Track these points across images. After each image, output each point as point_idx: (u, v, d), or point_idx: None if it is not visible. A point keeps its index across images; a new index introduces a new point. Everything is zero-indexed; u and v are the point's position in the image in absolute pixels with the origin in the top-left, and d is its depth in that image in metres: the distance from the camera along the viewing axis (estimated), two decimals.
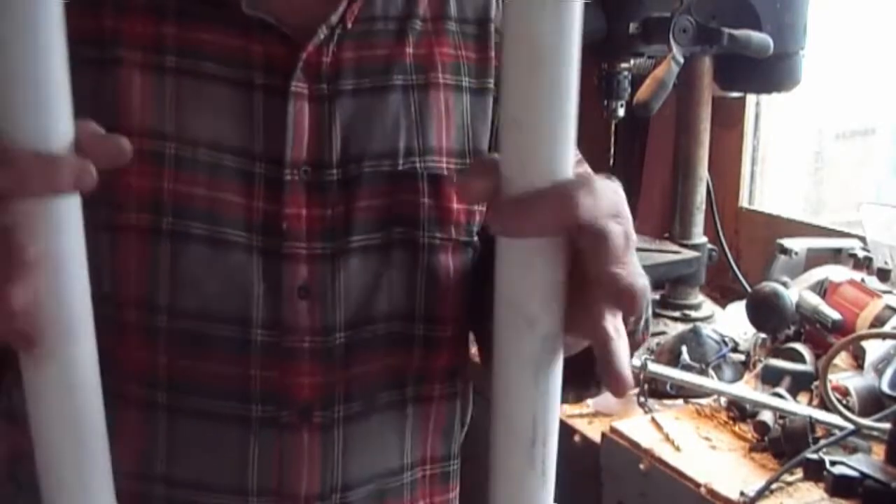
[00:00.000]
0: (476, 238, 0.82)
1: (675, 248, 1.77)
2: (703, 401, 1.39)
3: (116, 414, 0.75)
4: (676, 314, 1.75)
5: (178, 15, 0.76)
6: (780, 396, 1.32)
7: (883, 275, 1.59)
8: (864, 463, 1.15)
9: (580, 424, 1.40)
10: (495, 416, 0.54)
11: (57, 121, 0.49)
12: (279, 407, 0.76)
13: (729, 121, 1.96)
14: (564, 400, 0.82)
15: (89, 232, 0.69)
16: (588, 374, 0.77)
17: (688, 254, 1.75)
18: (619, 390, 0.53)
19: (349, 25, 0.79)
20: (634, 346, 0.77)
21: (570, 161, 0.50)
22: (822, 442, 1.21)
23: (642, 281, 0.52)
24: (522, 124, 0.49)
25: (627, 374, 0.53)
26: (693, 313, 1.74)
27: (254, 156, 0.76)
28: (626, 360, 0.53)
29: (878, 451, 1.20)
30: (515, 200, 0.49)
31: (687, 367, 1.44)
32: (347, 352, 0.77)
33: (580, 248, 0.51)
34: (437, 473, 0.87)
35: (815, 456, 1.17)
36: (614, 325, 0.53)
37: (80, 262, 0.51)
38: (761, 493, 1.13)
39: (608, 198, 0.52)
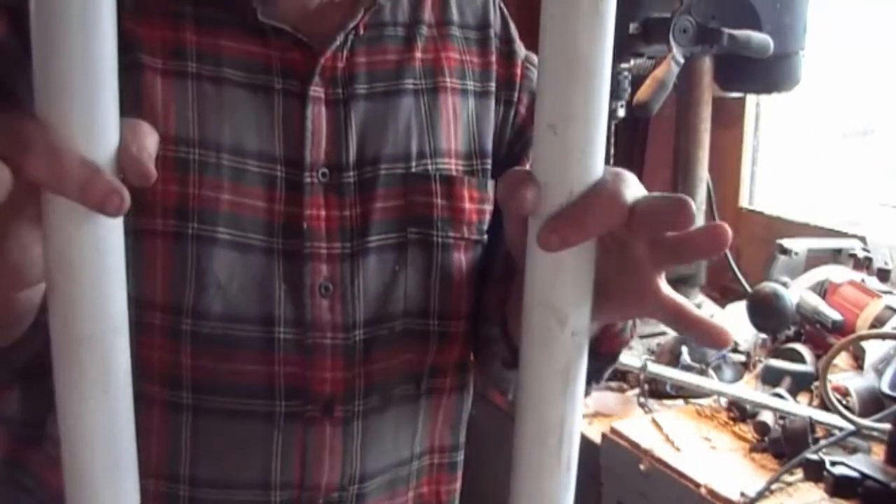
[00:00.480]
0: (485, 237, 0.84)
1: None
2: (704, 401, 1.40)
3: (141, 416, 0.76)
4: None
5: (196, 21, 0.77)
6: (781, 397, 1.32)
7: (883, 275, 1.59)
8: (864, 463, 1.15)
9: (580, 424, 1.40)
10: (523, 415, 0.55)
11: (104, 121, 0.49)
12: (303, 402, 0.78)
13: (729, 121, 1.96)
14: None
15: None
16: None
17: None
18: (725, 341, 0.55)
19: (361, 31, 0.81)
20: (622, 345, 0.80)
21: (602, 161, 0.53)
22: (822, 442, 1.21)
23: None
24: (558, 129, 0.51)
25: (718, 324, 0.55)
26: None
27: (275, 159, 0.77)
28: (703, 314, 0.55)
29: (878, 451, 1.20)
30: (572, 211, 0.51)
31: (687, 368, 1.44)
32: (367, 347, 0.79)
33: (622, 235, 0.54)
34: (445, 463, 0.90)
35: (815, 456, 1.17)
36: (671, 290, 0.56)
37: (119, 261, 0.51)
38: (761, 494, 1.13)
39: (633, 178, 0.55)
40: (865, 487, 1.11)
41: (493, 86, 0.87)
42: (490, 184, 0.85)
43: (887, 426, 1.18)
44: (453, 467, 0.90)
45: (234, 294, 0.76)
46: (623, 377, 1.50)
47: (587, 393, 0.85)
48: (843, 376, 1.33)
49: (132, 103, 0.74)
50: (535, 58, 0.90)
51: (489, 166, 0.85)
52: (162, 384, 0.76)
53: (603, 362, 0.81)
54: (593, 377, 0.81)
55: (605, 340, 0.78)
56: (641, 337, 1.64)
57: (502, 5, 0.92)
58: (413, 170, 0.81)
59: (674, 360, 1.47)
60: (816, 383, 1.32)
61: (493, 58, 0.88)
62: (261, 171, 0.77)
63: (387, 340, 0.80)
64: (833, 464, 1.15)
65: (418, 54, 0.84)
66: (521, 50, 0.90)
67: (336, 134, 0.79)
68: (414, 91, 0.83)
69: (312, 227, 0.78)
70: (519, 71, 0.89)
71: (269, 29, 0.77)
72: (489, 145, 0.86)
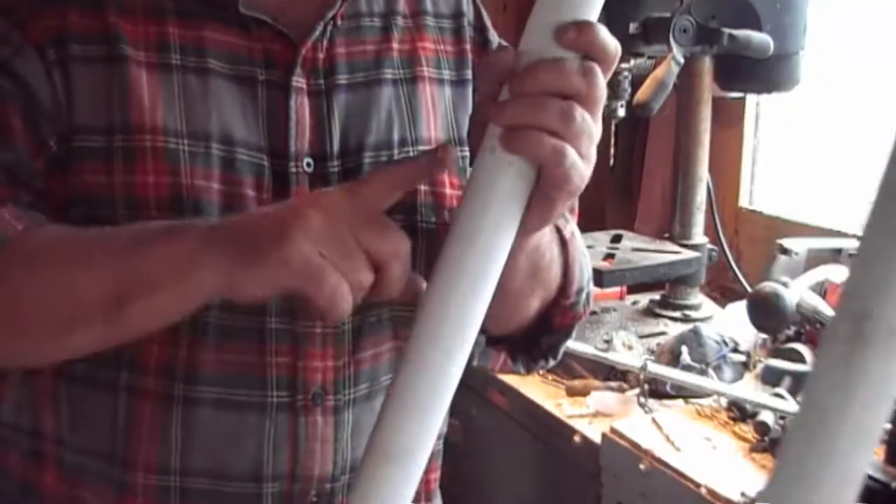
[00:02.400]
0: None
1: (675, 248, 1.77)
2: (704, 401, 1.40)
3: (134, 409, 0.78)
4: (676, 314, 1.75)
5: (178, 15, 0.78)
6: (781, 397, 1.32)
7: None
8: None
9: (580, 424, 1.40)
10: None
11: None
12: (294, 391, 0.79)
13: (729, 121, 1.96)
14: (516, 371, 0.91)
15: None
16: (534, 345, 0.83)
17: (688, 254, 1.75)
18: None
19: (339, 22, 0.81)
20: (575, 319, 0.87)
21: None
22: None
23: None
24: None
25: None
26: (693, 313, 1.74)
27: (261, 149, 0.78)
28: None
29: (878, 451, 1.20)
30: None
31: (687, 368, 1.44)
32: (356, 336, 0.81)
33: None
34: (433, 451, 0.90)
35: None
36: None
37: None
38: None
39: None
40: (865, 487, 1.11)
41: (468, 73, 0.89)
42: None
43: (887, 426, 1.18)
44: (436, 456, 0.91)
45: None
46: (623, 377, 1.49)
47: (545, 368, 0.93)
48: None
49: (120, 95, 0.75)
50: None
51: (468, 153, 0.87)
52: (155, 376, 0.77)
53: (557, 336, 0.87)
54: (550, 352, 0.90)
55: (557, 315, 0.85)
56: (641, 337, 1.64)
57: None
58: (396, 157, 0.82)
59: (674, 360, 1.47)
60: None
61: (468, 46, 0.89)
62: (250, 160, 0.78)
63: (375, 328, 0.81)
64: None
65: (395, 45, 0.85)
66: (494, 38, 0.92)
67: (319, 124, 0.80)
68: (393, 81, 0.84)
69: None
70: None
71: (251, 20, 0.78)
72: (466, 132, 0.87)
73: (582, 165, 0.65)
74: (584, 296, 0.86)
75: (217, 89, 0.77)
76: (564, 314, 0.85)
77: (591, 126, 0.65)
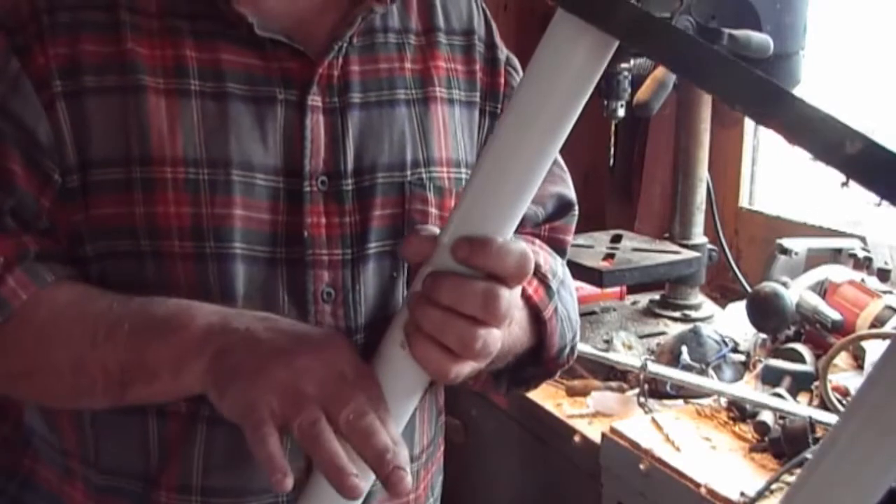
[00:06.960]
0: None
1: (675, 248, 1.77)
2: (703, 401, 1.39)
3: (161, 429, 0.78)
4: (676, 314, 1.75)
5: (194, 36, 0.77)
6: (781, 397, 1.32)
7: (883, 275, 1.59)
8: None
9: (580, 424, 1.40)
10: None
11: None
12: None
13: (729, 121, 1.96)
14: (497, 391, 0.93)
15: (134, 260, 0.73)
16: (521, 371, 0.84)
17: (688, 254, 1.75)
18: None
19: (354, 39, 0.81)
20: (558, 367, 0.89)
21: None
22: None
23: None
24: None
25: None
26: (693, 313, 1.74)
27: (276, 171, 0.79)
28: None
29: None
30: None
31: (687, 368, 1.44)
32: (369, 352, 0.80)
33: None
34: (433, 456, 0.93)
35: None
36: None
37: None
38: (761, 494, 1.13)
39: None
40: None
41: (477, 96, 0.89)
42: None
43: None
44: (432, 452, 0.92)
45: (245, 304, 0.77)
46: (623, 377, 1.49)
47: (524, 390, 0.96)
48: (843, 376, 1.33)
49: (137, 125, 0.75)
50: (516, 61, 0.92)
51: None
52: (186, 398, 0.77)
53: (544, 371, 0.88)
54: (532, 382, 0.92)
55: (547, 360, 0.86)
56: (641, 337, 1.64)
57: (485, 6, 0.93)
58: (409, 179, 0.83)
59: (674, 360, 1.47)
60: (816, 383, 1.32)
61: (478, 66, 0.90)
62: (266, 185, 0.78)
63: None
64: None
65: (408, 64, 0.85)
66: (502, 54, 0.92)
67: (334, 142, 0.80)
68: (406, 101, 0.84)
69: (313, 234, 0.79)
70: (502, 80, 0.90)
71: (266, 41, 0.78)
72: (472, 156, 0.88)
73: (467, 371, 0.68)
74: (566, 352, 0.88)
75: (236, 113, 0.77)
76: (548, 363, 0.86)
77: (489, 345, 0.66)
